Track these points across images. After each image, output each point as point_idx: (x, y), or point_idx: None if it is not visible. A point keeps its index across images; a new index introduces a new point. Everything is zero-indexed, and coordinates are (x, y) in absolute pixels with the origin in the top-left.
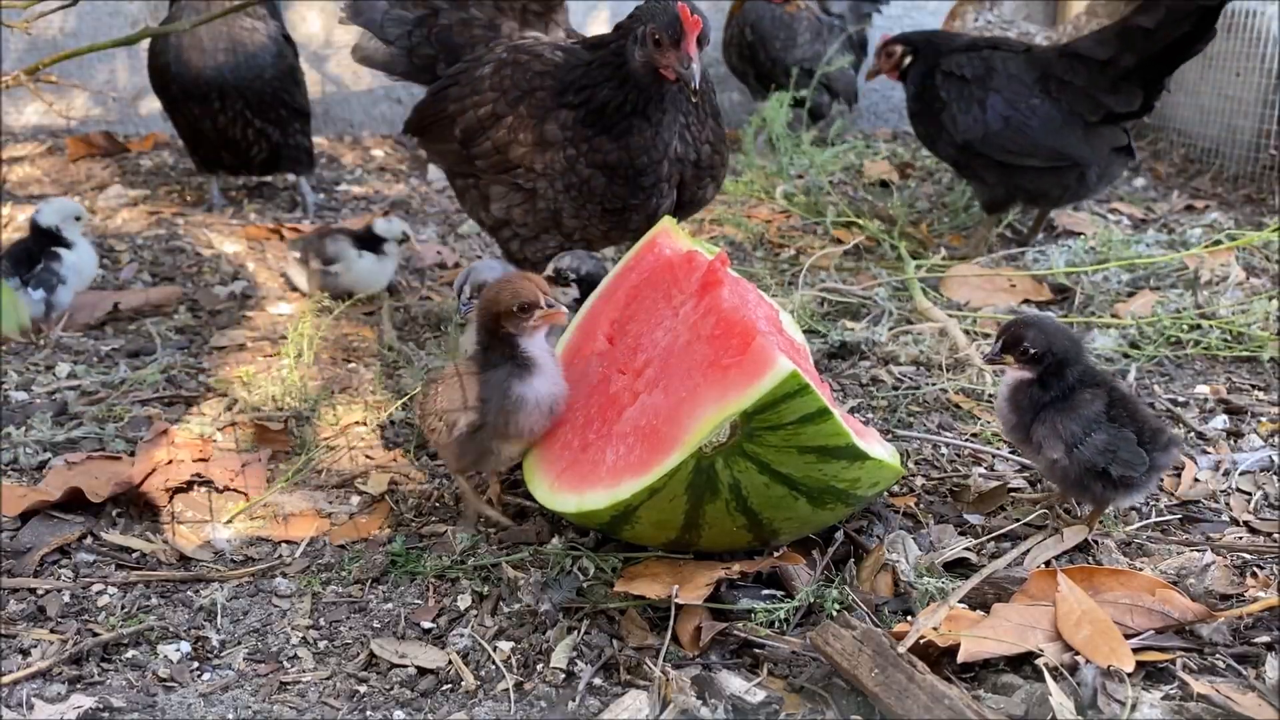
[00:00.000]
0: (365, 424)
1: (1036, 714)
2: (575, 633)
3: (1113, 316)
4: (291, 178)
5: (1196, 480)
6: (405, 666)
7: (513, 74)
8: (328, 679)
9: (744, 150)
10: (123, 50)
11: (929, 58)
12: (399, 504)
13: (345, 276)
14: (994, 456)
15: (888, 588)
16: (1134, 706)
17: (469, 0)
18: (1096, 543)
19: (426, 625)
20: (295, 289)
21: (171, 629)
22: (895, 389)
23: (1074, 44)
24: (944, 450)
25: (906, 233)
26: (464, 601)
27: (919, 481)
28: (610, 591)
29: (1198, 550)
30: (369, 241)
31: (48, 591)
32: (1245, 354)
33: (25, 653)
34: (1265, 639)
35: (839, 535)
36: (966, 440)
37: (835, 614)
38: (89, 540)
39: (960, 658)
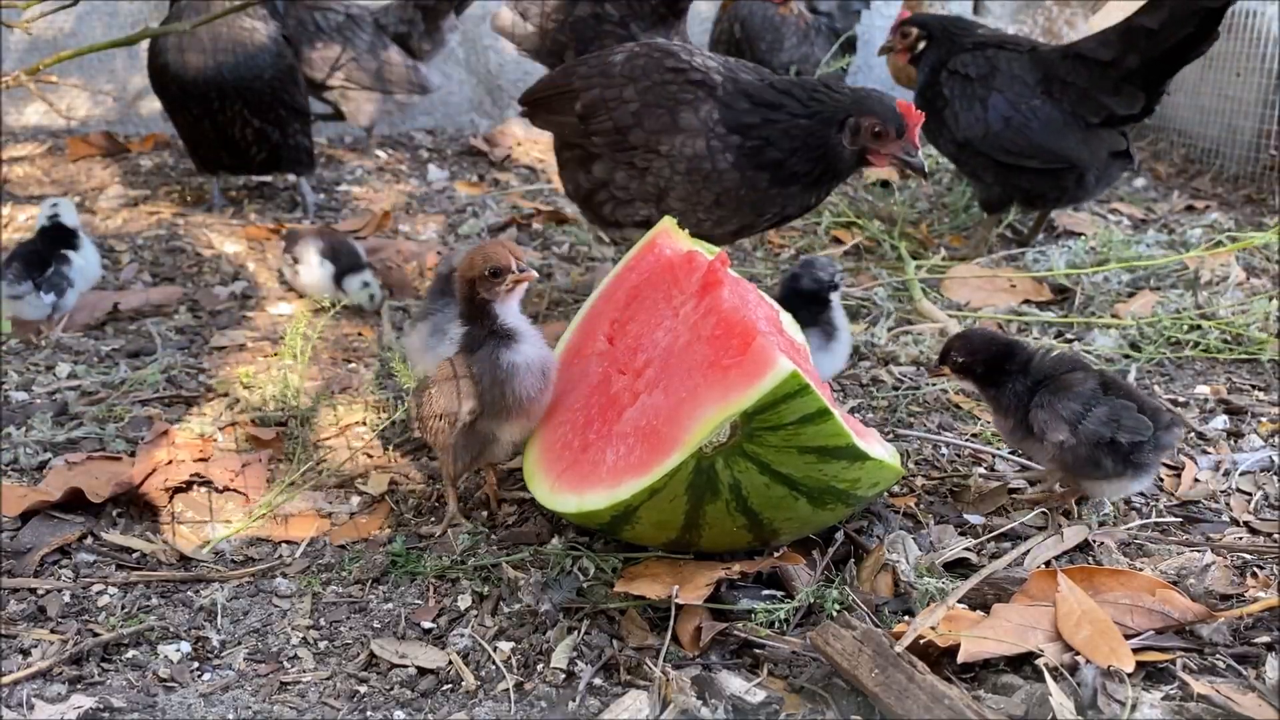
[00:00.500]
0: (365, 424)
1: (1036, 714)
2: (575, 633)
3: (1113, 317)
4: (292, 178)
5: (1196, 480)
6: (405, 667)
7: (645, 64)
8: (328, 679)
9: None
10: (123, 50)
11: (943, 48)
12: (399, 504)
13: (298, 279)
14: (994, 456)
15: (888, 588)
16: (1134, 707)
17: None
18: (1096, 543)
19: (427, 625)
20: (287, 284)
21: (172, 629)
22: (895, 389)
23: (1077, 45)
24: (944, 450)
25: (906, 233)
26: (464, 602)
27: (919, 481)
28: (610, 591)
29: (1198, 550)
30: (340, 259)
31: (48, 591)
32: (1245, 355)
33: (25, 653)
34: (1265, 639)
35: (839, 535)
36: (966, 440)
37: (835, 614)
38: (89, 540)
39: (960, 658)
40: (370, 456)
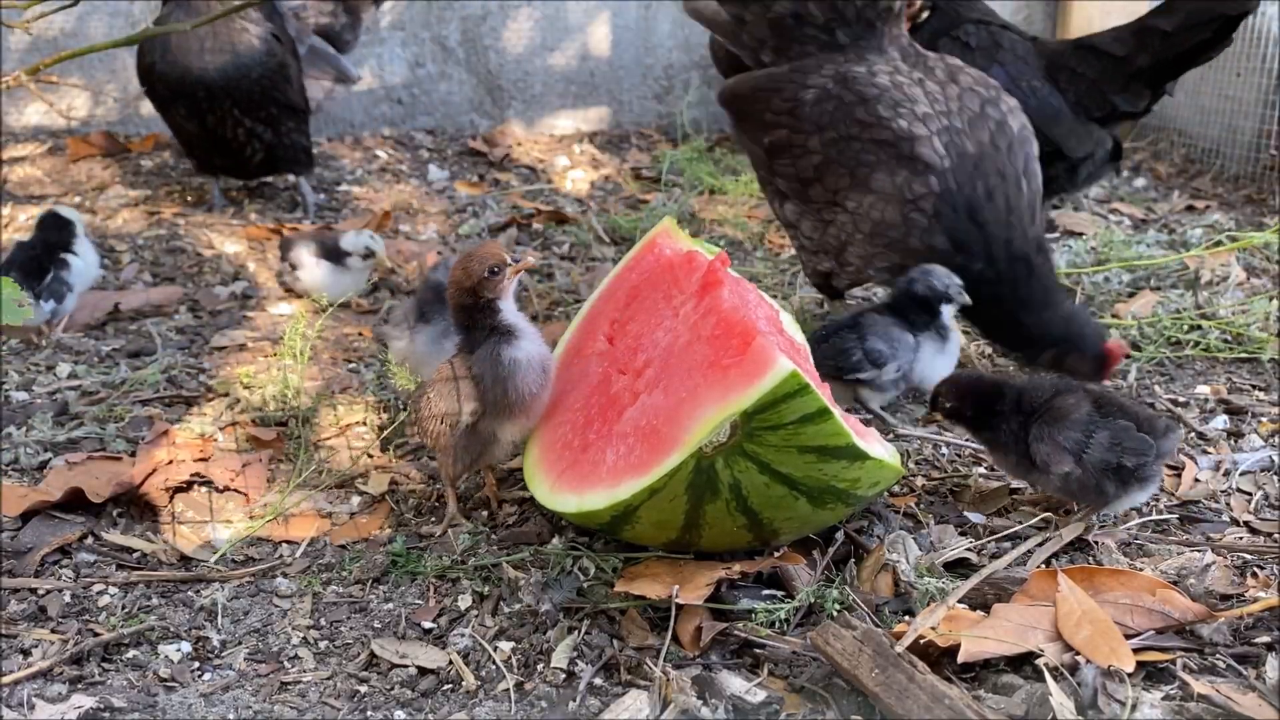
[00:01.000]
0: (365, 424)
1: (1037, 714)
2: (576, 633)
3: (1113, 317)
4: (292, 178)
5: (1197, 480)
6: (406, 666)
7: (834, 111)
8: (328, 679)
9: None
10: (123, 50)
11: (947, 18)
12: (399, 504)
13: (299, 283)
14: None
15: (888, 588)
16: (1134, 706)
17: None
18: (1097, 543)
19: (427, 625)
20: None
21: (172, 629)
22: None
23: (1090, 38)
24: (944, 450)
25: None
26: (464, 601)
27: (919, 481)
28: (611, 591)
29: (1198, 550)
30: (333, 252)
31: (48, 591)
32: (1245, 355)
33: (26, 653)
34: (1265, 639)
35: (839, 535)
36: (967, 440)
37: (836, 614)
38: (90, 540)
39: (960, 658)
40: (371, 456)
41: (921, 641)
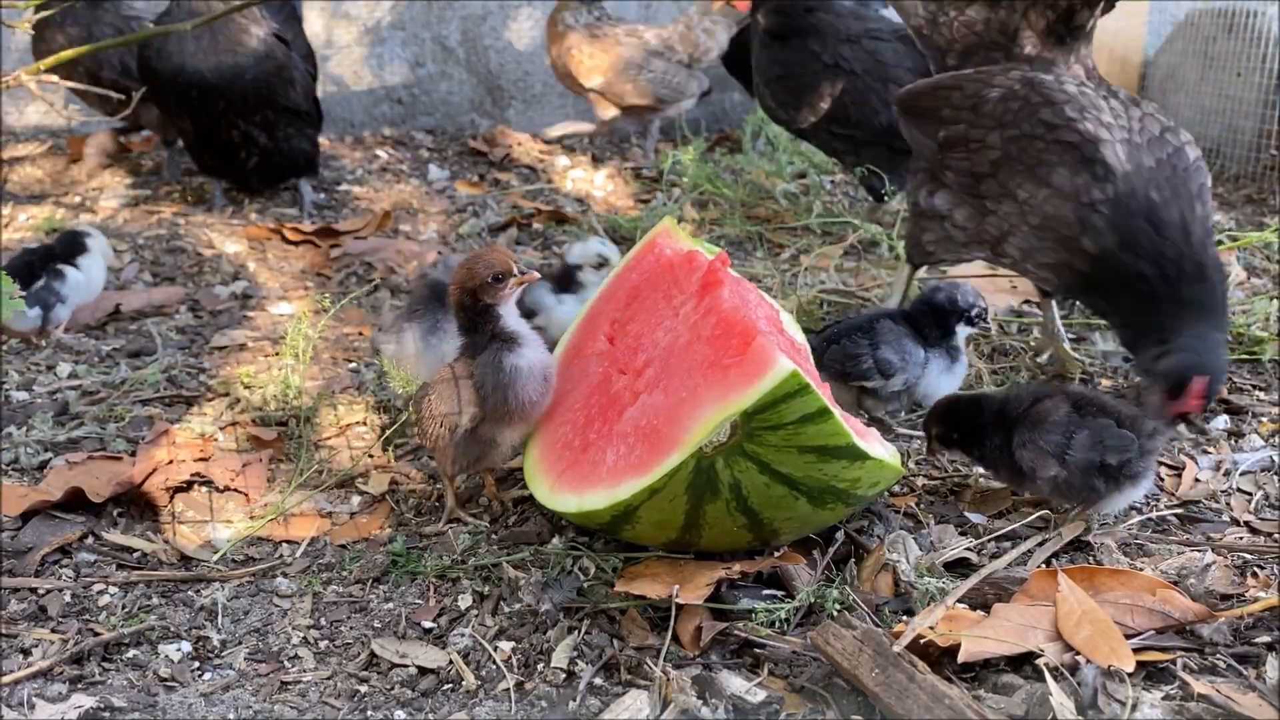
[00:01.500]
0: (366, 424)
1: (1037, 714)
2: (576, 633)
3: None
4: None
5: (1197, 480)
6: (406, 666)
7: (1018, 110)
8: (328, 679)
9: (743, 150)
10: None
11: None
12: (400, 504)
13: (548, 333)
14: None
15: (888, 588)
16: (1134, 706)
17: (1000, 2)
18: (1097, 543)
19: (427, 625)
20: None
21: (172, 629)
22: None
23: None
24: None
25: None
26: (465, 601)
27: (920, 481)
28: (611, 591)
29: (1198, 550)
30: (564, 277)
31: (49, 591)
32: (1246, 355)
33: (26, 652)
34: (1266, 639)
35: (839, 535)
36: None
37: (836, 614)
38: (90, 540)
39: (961, 658)
40: (371, 456)
41: (922, 641)
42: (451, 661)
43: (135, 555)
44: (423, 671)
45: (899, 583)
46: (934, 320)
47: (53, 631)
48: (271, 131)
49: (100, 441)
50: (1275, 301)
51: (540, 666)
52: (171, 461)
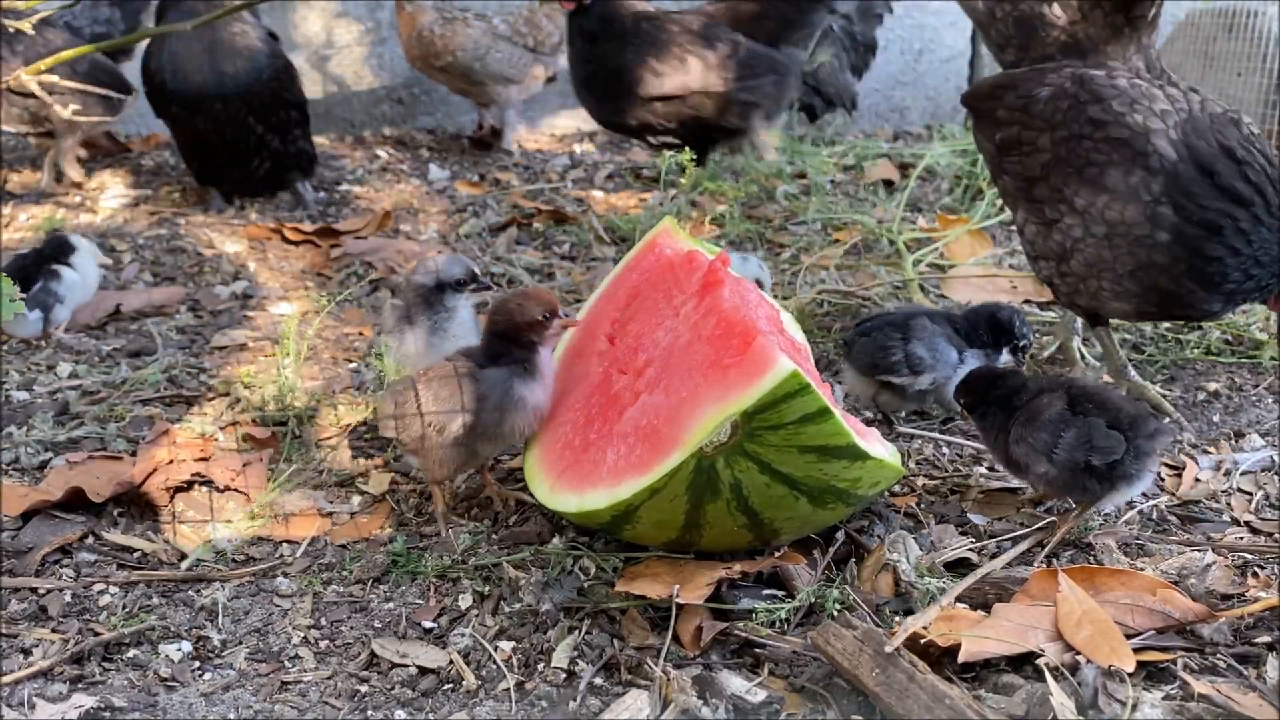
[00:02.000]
0: (366, 424)
1: (1037, 714)
2: (576, 632)
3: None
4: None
5: (1197, 480)
6: (406, 666)
7: (1067, 109)
8: (329, 679)
9: (743, 150)
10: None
11: None
12: (400, 504)
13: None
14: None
15: (889, 588)
16: (1135, 706)
17: None
18: (1097, 543)
19: (427, 625)
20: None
21: (173, 628)
22: None
23: None
24: (945, 450)
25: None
26: (465, 601)
27: (920, 481)
28: (611, 591)
29: (1198, 550)
30: None
31: (49, 591)
32: (1246, 355)
33: (27, 652)
34: (1266, 639)
35: (840, 535)
36: (968, 440)
37: (836, 614)
38: (90, 540)
39: (961, 658)
40: (371, 456)
41: (922, 641)
42: (452, 661)
43: (135, 555)
44: (423, 671)
45: (899, 583)
46: (989, 332)
47: (53, 631)
48: (284, 132)
49: (100, 441)
50: None
51: (540, 666)
52: (172, 461)
